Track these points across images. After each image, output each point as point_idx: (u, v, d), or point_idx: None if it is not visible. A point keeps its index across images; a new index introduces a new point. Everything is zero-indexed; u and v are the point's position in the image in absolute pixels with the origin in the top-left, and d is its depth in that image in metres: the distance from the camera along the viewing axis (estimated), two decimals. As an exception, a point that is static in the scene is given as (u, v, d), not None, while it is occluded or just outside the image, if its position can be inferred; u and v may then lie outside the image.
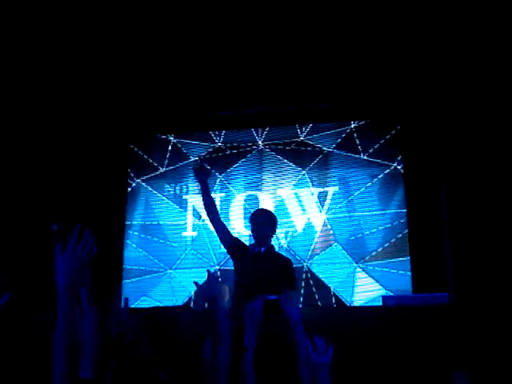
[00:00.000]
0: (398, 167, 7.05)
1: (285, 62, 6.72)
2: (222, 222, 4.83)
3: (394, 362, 3.23)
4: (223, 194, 7.40)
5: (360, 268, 6.76)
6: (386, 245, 6.78)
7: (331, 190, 7.16)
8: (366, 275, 6.71)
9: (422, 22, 6.08)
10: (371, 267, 6.74)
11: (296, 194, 7.27)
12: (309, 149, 7.35)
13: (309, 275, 6.91)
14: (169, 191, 7.55)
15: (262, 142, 7.49)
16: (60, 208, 6.76)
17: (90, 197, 7.03)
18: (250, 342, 2.91)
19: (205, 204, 4.80)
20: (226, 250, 4.93)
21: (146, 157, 7.69)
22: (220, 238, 4.81)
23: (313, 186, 7.23)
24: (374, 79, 6.87)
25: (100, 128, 7.45)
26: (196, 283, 3.00)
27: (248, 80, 6.92)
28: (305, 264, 6.95)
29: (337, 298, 6.75)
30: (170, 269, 7.26)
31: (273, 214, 4.92)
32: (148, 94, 7.25)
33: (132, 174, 7.67)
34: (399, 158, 7.07)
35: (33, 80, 6.76)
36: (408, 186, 6.93)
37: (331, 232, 7.02)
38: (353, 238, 6.93)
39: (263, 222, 4.69)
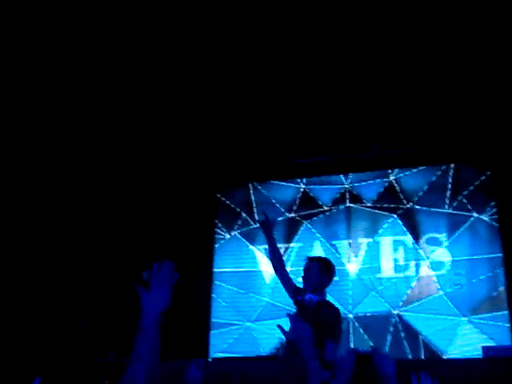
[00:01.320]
0: (479, 215, 6.83)
1: (373, 109, 6.65)
2: (289, 276, 4.68)
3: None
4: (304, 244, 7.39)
5: (466, 321, 6.51)
6: (494, 293, 6.50)
7: (429, 237, 6.96)
8: (470, 327, 6.45)
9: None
10: (476, 320, 6.48)
11: (392, 240, 7.11)
12: (397, 195, 7.22)
13: (399, 325, 6.70)
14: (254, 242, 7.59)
15: (349, 184, 7.44)
16: (149, 258, 6.85)
17: (178, 248, 7.10)
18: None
19: (271, 259, 4.71)
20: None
21: (233, 206, 7.80)
22: (287, 291, 4.64)
23: (406, 231, 7.07)
24: (462, 124, 6.69)
25: (188, 178, 7.61)
26: (280, 326, 2.86)
27: (331, 128, 6.90)
28: (395, 312, 6.74)
29: (428, 347, 6.49)
30: (249, 321, 7.23)
31: (323, 262, 4.61)
32: (232, 144, 7.33)
33: (219, 223, 7.76)
34: (492, 205, 6.82)
35: (125, 134, 7.00)
36: (504, 234, 6.62)
37: (434, 280, 6.79)
38: (458, 286, 6.67)
39: (310, 270, 4.48)
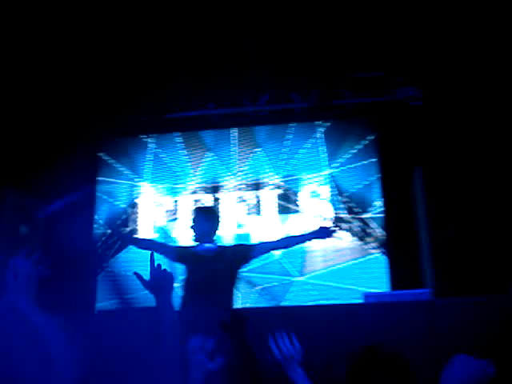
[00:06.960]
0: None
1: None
2: (157, 243, 5.07)
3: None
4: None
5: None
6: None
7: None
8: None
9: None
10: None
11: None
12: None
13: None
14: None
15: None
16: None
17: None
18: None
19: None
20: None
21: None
22: (167, 256, 4.71)
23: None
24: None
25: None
26: (137, 274, 2.46)
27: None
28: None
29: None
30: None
31: (210, 210, 5.00)
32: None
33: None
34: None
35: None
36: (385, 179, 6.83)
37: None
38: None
39: (197, 219, 4.70)
